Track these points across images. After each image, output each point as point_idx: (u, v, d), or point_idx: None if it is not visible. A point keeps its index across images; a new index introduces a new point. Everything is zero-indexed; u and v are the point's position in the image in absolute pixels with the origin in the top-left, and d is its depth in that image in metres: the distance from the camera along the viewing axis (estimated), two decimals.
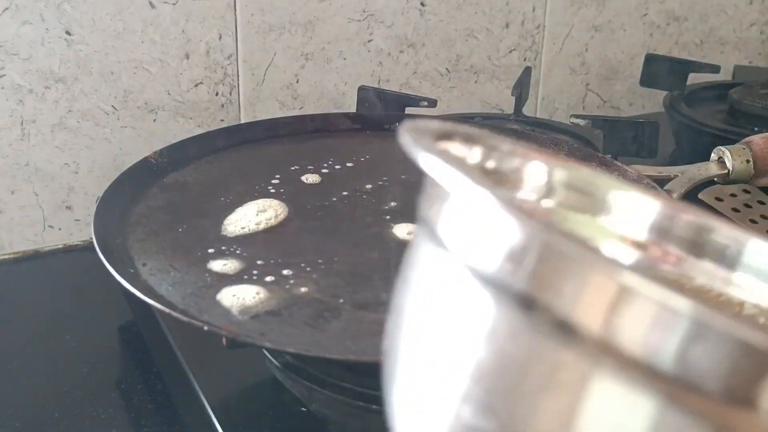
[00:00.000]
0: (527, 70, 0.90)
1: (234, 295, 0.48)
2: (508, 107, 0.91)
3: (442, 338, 0.22)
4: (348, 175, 0.64)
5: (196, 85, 0.82)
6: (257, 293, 0.48)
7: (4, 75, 0.74)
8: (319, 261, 0.52)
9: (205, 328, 0.44)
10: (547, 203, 0.31)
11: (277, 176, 0.63)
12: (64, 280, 0.75)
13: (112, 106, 0.79)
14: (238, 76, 0.84)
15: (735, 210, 0.75)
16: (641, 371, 0.18)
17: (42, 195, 0.78)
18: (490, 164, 0.29)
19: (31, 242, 0.79)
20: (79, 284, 0.73)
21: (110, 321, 0.67)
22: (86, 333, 0.65)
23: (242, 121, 0.84)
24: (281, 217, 0.58)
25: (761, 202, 0.77)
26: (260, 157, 0.67)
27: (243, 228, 0.56)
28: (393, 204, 0.60)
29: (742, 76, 1.05)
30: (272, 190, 0.62)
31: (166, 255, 0.52)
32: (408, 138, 0.22)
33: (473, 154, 0.28)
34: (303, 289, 0.49)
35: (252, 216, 0.57)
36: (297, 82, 0.87)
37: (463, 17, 0.93)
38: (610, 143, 0.78)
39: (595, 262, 0.19)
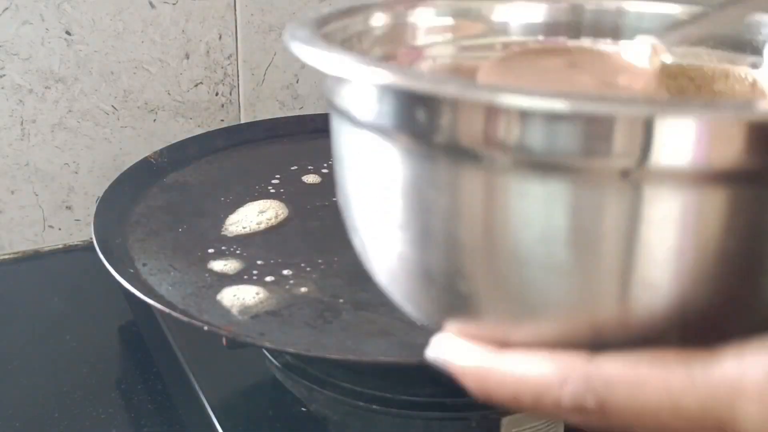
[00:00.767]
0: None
1: (234, 295, 0.48)
2: None
3: (369, 186, 0.26)
4: None
5: (196, 85, 0.82)
6: (257, 293, 0.48)
7: (4, 75, 0.74)
8: (319, 261, 0.52)
9: (205, 328, 0.44)
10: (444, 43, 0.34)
11: (277, 176, 0.63)
12: (64, 280, 0.75)
13: (112, 106, 0.79)
14: (238, 76, 0.84)
15: None
16: (523, 165, 0.21)
17: (42, 195, 0.78)
18: (378, 24, 0.32)
19: (31, 242, 0.79)
20: (79, 284, 0.73)
21: (110, 321, 0.67)
22: (86, 333, 0.65)
23: (242, 121, 0.84)
24: (281, 217, 0.58)
25: None
26: (260, 157, 0.67)
27: (244, 228, 0.56)
28: None
29: None
30: (272, 190, 0.62)
31: (166, 255, 0.52)
32: (287, 34, 0.25)
33: (355, 23, 0.31)
34: (303, 289, 0.49)
35: (253, 216, 0.57)
36: (297, 82, 0.87)
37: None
38: None
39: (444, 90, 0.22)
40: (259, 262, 0.52)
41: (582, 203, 0.21)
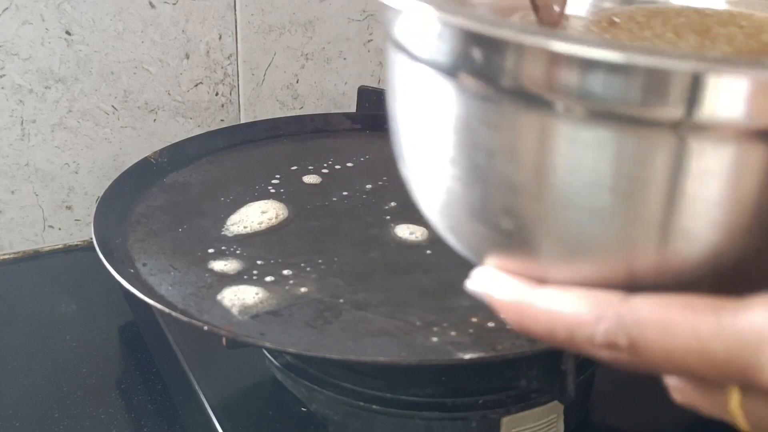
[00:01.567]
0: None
1: (234, 295, 0.48)
2: None
3: (422, 120, 0.26)
4: (348, 175, 0.64)
5: (196, 85, 0.82)
6: (257, 293, 0.48)
7: (4, 75, 0.74)
8: (319, 261, 0.52)
9: (205, 328, 0.44)
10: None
11: (277, 176, 0.63)
12: (64, 280, 0.75)
13: (112, 106, 0.79)
14: (238, 76, 0.84)
15: None
16: (581, 111, 0.22)
17: (42, 195, 0.78)
18: None
19: (31, 242, 0.79)
20: (79, 284, 0.73)
21: (110, 321, 0.67)
22: (86, 333, 0.65)
23: (242, 121, 0.84)
24: (281, 217, 0.58)
25: None
26: (260, 157, 0.67)
27: (245, 228, 0.56)
28: (393, 204, 0.60)
29: None
30: (272, 190, 0.62)
31: (166, 255, 0.52)
32: None
33: None
34: (303, 289, 0.49)
35: (254, 216, 0.57)
36: (297, 82, 0.87)
37: None
38: None
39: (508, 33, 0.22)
40: (259, 262, 0.52)
41: (630, 152, 0.22)
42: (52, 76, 0.75)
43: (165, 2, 0.78)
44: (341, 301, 0.48)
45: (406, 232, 0.56)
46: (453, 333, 0.45)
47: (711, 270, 0.24)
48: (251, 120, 0.80)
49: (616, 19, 0.33)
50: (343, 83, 0.89)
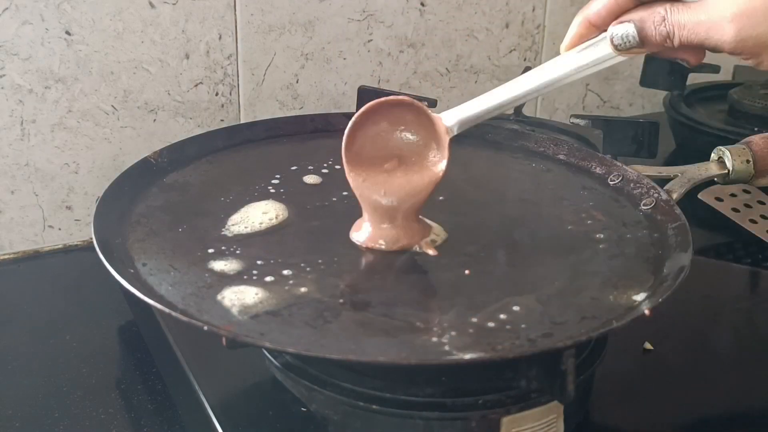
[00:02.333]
0: (527, 70, 0.90)
1: (234, 295, 0.48)
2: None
3: None
4: None
5: (196, 85, 0.82)
6: (257, 293, 0.48)
7: (4, 75, 0.74)
8: (319, 261, 0.52)
9: (205, 328, 0.44)
10: None
11: (277, 176, 0.63)
12: (64, 280, 0.75)
13: (112, 106, 0.79)
14: (238, 76, 0.84)
15: (735, 210, 0.75)
16: None
17: (42, 195, 0.78)
18: None
19: (31, 242, 0.79)
20: (79, 284, 0.73)
21: (110, 321, 0.67)
22: (86, 333, 0.65)
23: (242, 121, 0.84)
24: (281, 217, 0.58)
25: (761, 202, 0.77)
26: (260, 157, 0.67)
27: (246, 228, 0.56)
28: None
29: (742, 76, 1.05)
30: (272, 190, 0.61)
31: (166, 255, 0.52)
32: None
33: None
34: (303, 289, 0.49)
35: (256, 216, 0.57)
36: (297, 82, 0.87)
37: (463, 17, 0.93)
38: (610, 143, 0.78)
39: None
40: (259, 262, 0.52)
41: None
42: (52, 76, 0.75)
43: (165, 2, 0.78)
44: (341, 301, 0.48)
45: None
46: (453, 333, 0.45)
47: None
48: (251, 120, 0.80)
49: None
50: (343, 83, 0.89)
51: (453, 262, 0.53)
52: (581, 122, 0.80)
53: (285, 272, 0.51)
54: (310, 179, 0.64)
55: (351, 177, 0.53)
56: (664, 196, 0.59)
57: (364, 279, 0.51)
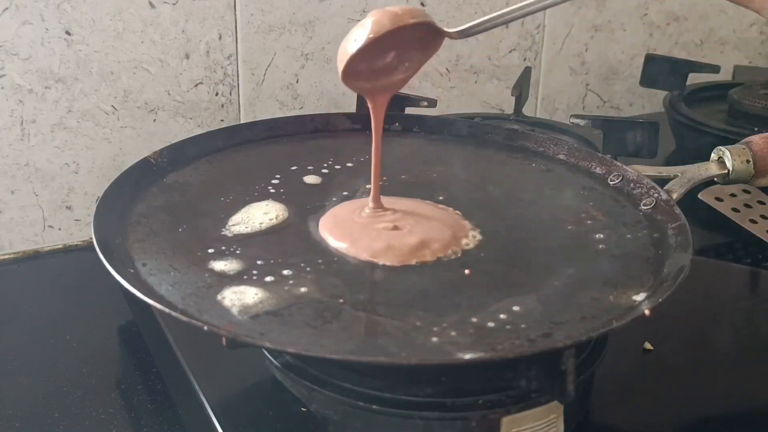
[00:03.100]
0: (527, 70, 0.90)
1: (234, 295, 0.48)
2: (508, 107, 0.91)
3: None
4: (348, 175, 0.64)
5: (196, 85, 0.82)
6: (257, 293, 0.48)
7: (4, 75, 0.74)
8: (319, 261, 0.52)
9: (205, 328, 0.44)
10: None
11: (277, 176, 0.63)
12: (64, 280, 0.75)
13: (112, 106, 0.79)
14: (238, 76, 0.84)
15: (735, 210, 0.75)
16: None
17: (42, 195, 0.78)
18: None
19: (31, 242, 0.79)
20: (79, 284, 0.73)
21: (110, 321, 0.67)
22: (86, 333, 0.65)
23: (242, 121, 0.84)
24: (281, 217, 0.58)
25: (761, 202, 0.77)
26: (260, 157, 0.67)
27: (246, 228, 0.56)
28: None
29: (742, 76, 1.05)
30: (272, 191, 0.61)
31: (166, 255, 0.52)
32: None
33: None
34: (303, 289, 0.49)
35: (257, 216, 0.57)
36: (297, 82, 0.87)
37: (463, 17, 0.93)
38: (610, 143, 0.78)
39: None
40: (259, 262, 0.52)
41: None
42: (52, 76, 0.75)
43: (165, 2, 0.78)
44: (341, 301, 0.48)
45: None
46: (453, 333, 0.45)
47: None
48: (251, 120, 0.80)
49: None
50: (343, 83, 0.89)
51: (453, 262, 0.53)
52: (581, 122, 0.80)
53: (285, 272, 0.51)
54: (310, 179, 0.64)
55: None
56: (664, 196, 0.59)
57: (364, 279, 0.51)
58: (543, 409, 0.47)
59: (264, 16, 0.83)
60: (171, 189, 0.61)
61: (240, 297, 0.48)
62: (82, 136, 0.78)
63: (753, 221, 0.75)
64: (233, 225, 0.56)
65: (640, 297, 0.49)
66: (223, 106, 0.84)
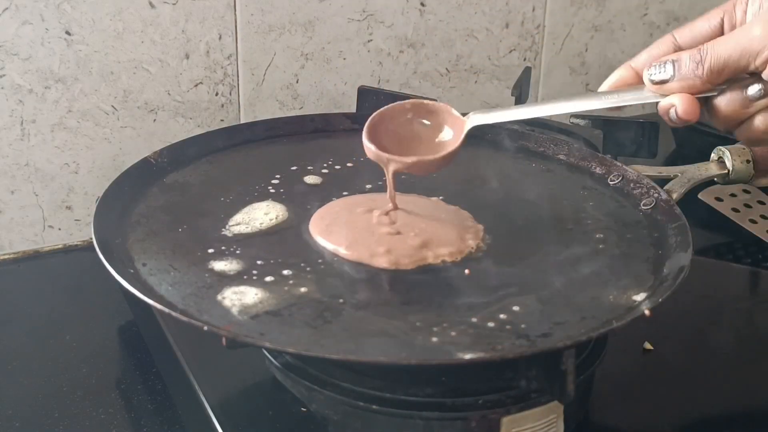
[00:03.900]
0: (527, 70, 0.90)
1: (234, 295, 0.48)
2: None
3: None
4: (348, 175, 0.64)
5: (196, 85, 0.82)
6: (257, 293, 0.48)
7: (4, 75, 0.74)
8: (319, 261, 0.52)
9: (205, 328, 0.44)
10: None
11: (277, 176, 0.63)
12: (64, 280, 0.75)
13: (112, 106, 0.79)
14: (238, 76, 0.84)
15: (735, 210, 0.75)
16: None
17: (42, 195, 0.78)
18: None
19: (31, 242, 0.79)
20: (79, 284, 0.73)
21: (110, 321, 0.67)
22: (86, 333, 0.65)
23: (242, 121, 0.84)
24: (281, 217, 0.58)
25: (761, 202, 0.77)
26: (260, 157, 0.67)
27: (246, 228, 0.56)
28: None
29: None
30: (272, 190, 0.61)
31: (166, 255, 0.52)
32: None
33: None
34: (303, 289, 0.49)
35: (256, 216, 0.57)
36: (297, 82, 0.87)
37: (463, 17, 0.93)
38: (610, 143, 0.78)
39: None
40: (259, 262, 0.52)
41: None
42: (52, 76, 0.75)
43: (165, 2, 0.78)
44: (341, 301, 0.48)
45: None
46: (453, 333, 0.45)
47: None
48: (251, 120, 0.80)
49: None
50: (343, 83, 0.89)
51: (453, 263, 0.53)
52: (581, 122, 0.80)
53: (285, 272, 0.51)
54: (310, 179, 0.64)
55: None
56: (664, 196, 0.59)
57: (363, 279, 0.51)
58: (543, 409, 0.47)
59: (264, 16, 0.83)
60: (171, 189, 0.61)
61: (240, 297, 0.48)
62: (82, 136, 0.78)
63: (753, 221, 0.75)
64: (233, 225, 0.56)
65: (640, 297, 0.49)
66: (223, 106, 0.84)
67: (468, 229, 0.56)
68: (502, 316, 0.47)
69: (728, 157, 0.63)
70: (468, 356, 0.43)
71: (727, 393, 0.56)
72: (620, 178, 0.63)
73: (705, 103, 0.50)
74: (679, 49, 0.51)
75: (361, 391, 0.47)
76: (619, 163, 0.64)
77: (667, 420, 0.53)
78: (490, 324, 0.46)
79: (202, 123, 0.83)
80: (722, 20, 0.51)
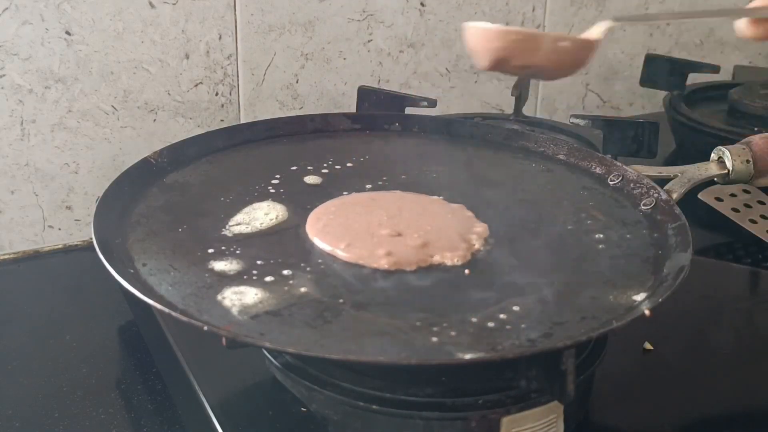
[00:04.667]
0: None
1: (234, 295, 0.48)
2: (508, 107, 0.91)
3: None
4: (348, 175, 0.64)
5: (196, 85, 0.82)
6: (257, 293, 0.48)
7: (4, 75, 0.74)
8: (319, 261, 0.52)
9: (205, 328, 0.44)
10: None
11: (277, 176, 0.63)
12: (64, 280, 0.75)
13: (112, 106, 0.79)
14: (238, 76, 0.84)
15: (735, 210, 0.75)
16: None
17: (42, 195, 0.78)
18: None
19: (31, 242, 0.79)
20: (79, 284, 0.73)
21: (110, 321, 0.67)
22: (86, 333, 0.65)
23: (242, 121, 0.84)
24: (281, 217, 0.58)
25: (761, 202, 0.77)
26: (260, 157, 0.67)
27: (246, 228, 0.56)
28: None
29: (742, 76, 1.05)
30: (272, 190, 0.61)
31: (166, 255, 0.52)
32: None
33: None
34: (303, 289, 0.49)
35: (256, 216, 0.57)
36: (297, 82, 0.87)
37: (463, 17, 0.93)
38: (610, 143, 0.78)
39: None
40: (259, 262, 0.52)
41: None
42: (52, 76, 0.75)
43: (165, 2, 0.78)
44: (341, 301, 0.48)
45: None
46: (453, 333, 0.45)
47: None
48: (251, 120, 0.80)
49: None
50: (343, 83, 0.89)
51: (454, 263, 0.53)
52: (581, 122, 0.80)
53: (285, 272, 0.51)
54: (310, 179, 0.64)
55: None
56: (664, 196, 0.59)
57: (363, 279, 0.51)
58: (543, 409, 0.47)
59: (264, 16, 0.83)
60: (171, 189, 0.61)
61: (240, 297, 0.48)
62: (82, 136, 0.78)
63: (753, 221, 0.75)
64: (233, 225, 0.56)
65: (640, 297, 0.49)
66: (223, 106, 0.84)
67: (471, 229, 0.56)
68: (502, 316, 0.47)
69: (728, 157, 0.63)
70: (468, 356, 0.43)
71: (727, 393, 0.56)
72: (620, 178, 0.63)
73: None
74: None
75: (361, 391, 0.47)
76: (619, 163, 0.64)
77: (667, 420, 0.53)
78: (490, 324, 0.46)
79: (202, 123, 0.83)
80: None
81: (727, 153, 0.63)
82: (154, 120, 0.81)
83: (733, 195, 0.77)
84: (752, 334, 0.63)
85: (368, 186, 0.62)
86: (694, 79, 0.99)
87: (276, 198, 0.60)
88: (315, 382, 0.48)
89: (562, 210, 0.60)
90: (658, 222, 0.57)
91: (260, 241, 0.55)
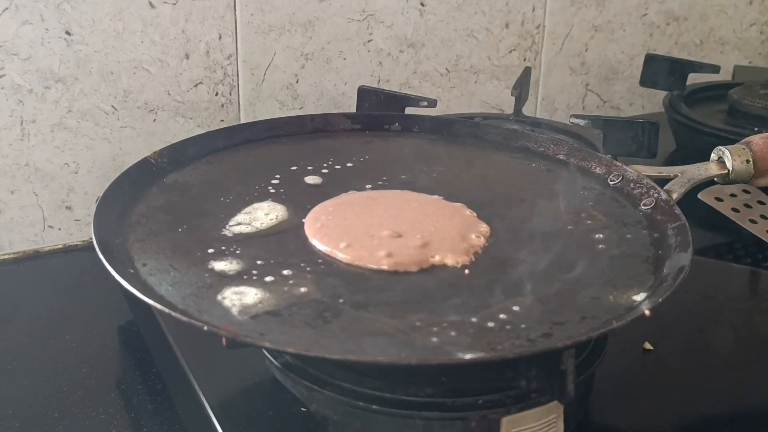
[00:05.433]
0: (527, 70, 0.90)
1: (234, 295, 0.48)
2: (508, 107, 0.91)
3: None
4: (348, 175, 0.64)
5: (196, 85, 0.82)
6: (257, 293, 0.48)
7: (4, 75, 0.74)
8: (319, 261, 0.52)
9: (205, 328, 0.44)
10: None
11: (277, 176, 0.63)
12: (64, 280, 0.75)
13: (112, 106, 0.79)
14: (238, 76, 0.84)
15: (735, 210, 0.75)
16: None
17: (42, 195, 0.78)
18: None
19: (31, 242, 0.79)
20: (79, 284, 0.73)
21: (110, 321, 0.67)
22: (86, 333, 0.65)
23: (242, 121, 0.84)
24: (282, 217, 0.58)
25: (761, 202, 0.77)
26: (260, 157, 0.67)
27: (246, 228, 0.56)
28: None
29: (742, 76, 1.05)
30: (272, 191, 0.61)
31: (166, 255, 0.52)
32: None
33: None
34: (303, 289, 0.49)
35: (256, 216, 0.57)
36: (297, 82, 0.87)
37: (463, 17, 0.93)
38: (610, 143, 0.78)
39: None
40: (259, 262, 0.52)
41: None
42: (51, 76, 0.75)
43: (165, 2, 0.78)
44: (341, 301, 0.48)
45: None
46: (453, 333, 0.45)
47: None
48: (251, 120, 0.80)
49: None
50: (343, 83, 0.89)
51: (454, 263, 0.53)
52: (581, 122, 0.80)
53: (285, 272, 0.51)
54: (310, 179, 0.64)
55: None
56: (664, 196, 0.59)
57: (363, 279, 0.51)
58: (543, 409, 0.47)
59: (264, 16, 0.83)
60: (171, 189, 0.61)
61: (240, 297, 0.48)
62: (82, 136, 0.78)
63: (753, 221, 0.75)
64: (233, 225, 0.56)
65: (640, 297, 0.49)
66: (223, 106, 0.84)
67: (471, 229, 0.56)
68: (502, 316, 0.47)
69: (728, 157, 0.63)
70: (468, 356, 0.43)
71: (727, 393, 0.56)
72: (620, 178, 0.63)
73: None
74: None
75: (361, 391, 0.47)
76: (619, 163, 0.64)
77: (667, 420, 0.53)
78: (490, 324, 0.46)
79: (202, 123, 0.83)
80: None
81: (727, 153, 0.63)
82: (154, 120, 0.81)
83: (733, 195, 0.77)
84: (752, 334, 0.63)
85: (368, 186, 0.63)
86: (694, 79, 0.99)
87: (276, 198, 0.60)
88: (315, 382, 0.48)
89: (562, 210, 0.60)
90: (658, 222, 0.57)
91: (260, 241, 0.55)
